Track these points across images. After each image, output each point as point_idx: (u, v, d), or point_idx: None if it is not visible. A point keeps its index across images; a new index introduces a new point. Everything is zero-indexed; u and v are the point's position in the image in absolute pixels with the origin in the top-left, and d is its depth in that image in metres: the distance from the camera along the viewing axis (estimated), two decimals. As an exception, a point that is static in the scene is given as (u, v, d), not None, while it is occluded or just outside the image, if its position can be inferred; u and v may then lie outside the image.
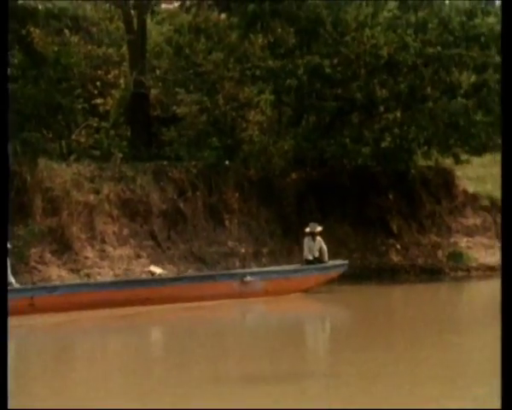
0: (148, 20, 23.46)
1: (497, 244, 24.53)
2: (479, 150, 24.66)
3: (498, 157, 27.07)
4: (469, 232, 24.62)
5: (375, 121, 22.90)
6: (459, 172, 25.51)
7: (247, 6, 22.02)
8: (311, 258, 19.72)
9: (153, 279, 18.33)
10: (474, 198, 25.38)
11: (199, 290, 17.66)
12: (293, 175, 22.99)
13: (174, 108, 22.82)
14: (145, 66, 22.64)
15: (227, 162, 22.10)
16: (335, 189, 22.77)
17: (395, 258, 22.95)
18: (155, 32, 23.78)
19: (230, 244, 20.76)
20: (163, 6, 24.51)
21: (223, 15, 23.03)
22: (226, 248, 20.48)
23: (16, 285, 16.92)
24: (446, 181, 25.26)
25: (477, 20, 22.95)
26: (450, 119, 22.57)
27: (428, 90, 22.80)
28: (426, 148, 23.60)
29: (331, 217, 22.40)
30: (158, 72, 23.42)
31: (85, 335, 15.31)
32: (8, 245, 16.32)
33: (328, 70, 21.87)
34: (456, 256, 23.68)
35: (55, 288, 17.33)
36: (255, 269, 19.74)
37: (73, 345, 14.29)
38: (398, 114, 22.76)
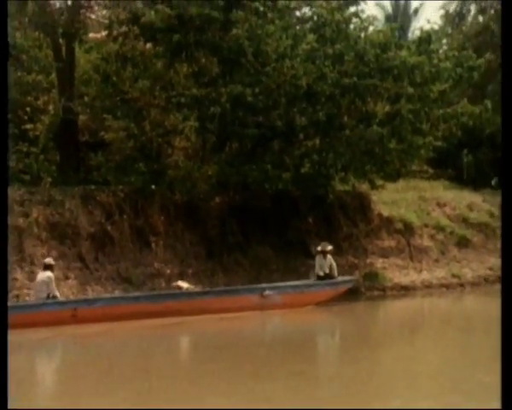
0: (77, 49, 23.41)
1: (411, 265, 25.41)
2: (393, 176, 25.51)
3: (411, 183, 28.18)
4: (384, 254, 25.06)
5: (294, 148, 23.35)
6: (375, 196, 26.03)
7: (172, 36, 22.17)
8: (322, 274, 21.31)
9: (182, 293, 19.57)
10: (388, 221, 25.85)
11: (223, 303, 19.07)
12: (217, 199, 23.18)
13: (102, 133, 22.90)
14: (73, 92, 22.69)
15: (153, 187, 22.19)
16: (257, 212, 22.98)
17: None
18: (83, 60, 23.77)
19: (156, 265, 20.88)
20: (91, 35, 24.42)
21: (148, 45, 23.05)
22: (152, 269, 20.63)
23: (61, 298, 18.11)
24: (362, 205, 25.75)
25: (390, 53, 23.40)
26: (366, 146, 23.15)
27: (345, 118, 23.36)
28: (343, 173, 24.13)
29: (253, 239, 22.77)
30: (86, 98, 23.40)
31: (124, 342, 16.42)
32: (51, 261, 18.18)
33: (250, 99, 22.10)
34: (372, 276, 24.02)
35: (95, 300, 18.40)
36: (273, 284, 20.87)
37: (114, 351, 15.46)
38: (317, 141, 23.37)
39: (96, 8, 23.68)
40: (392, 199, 26.68)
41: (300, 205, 24.12)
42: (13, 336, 13.16)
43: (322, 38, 23.24)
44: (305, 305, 20.25)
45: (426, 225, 26.46)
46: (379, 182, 24.90)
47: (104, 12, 23.85)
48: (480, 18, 33.32)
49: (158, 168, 22.42)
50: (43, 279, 17.95)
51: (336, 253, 24.19)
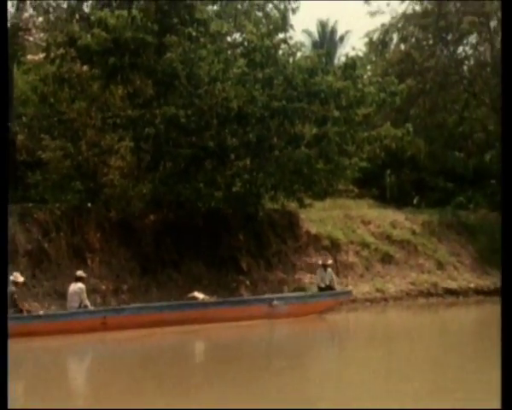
0: (15, 70, 23.53)
1: (337, 280, 25.96)
2: (320, 195, 26.08)
3: (338, 201, 28.82)
4: (312, 269, 25.15)
5: (226, 168, 23.66)
6: (303, 214, 26.45)
7: (107, 59, 22.32)
8: (323, 285, 23.01)
9: (199, 303, 20.72)
10: (316, 238, 26.30)
11: (236, 312, 20.50)
12: (152, 217, 23.36)
13: (39, 153, 22.96)
14: (12, 113, 22.53)
15: (89, 204, 22.34)
16: (190, 229, 23.26)
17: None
18: (22, 81, 23.82)
19: (92, 281, 20.91)
20: (29, 57, 24.48)
21: (85, 67, 23.17)
22: (88, 285, 20.49)
23: (91, 308, 19.29)
24: (291, 223, 26.20)
25: (317, 78, 23.80)
26: (294, 166, 23.63)
27: (275, 140, 23.82)
28: (273, 192, 24.61)
29: (186, 256, 23.06)
30: (24, 119, 23.51)
31: (150, 347, 18.05)
32: (82, 273, 19.73)
33: (183, 120, 22.46)
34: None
35: (122, 310, 19.77)
36: (281, 295, 22.59)
37: (141, 354, 17.00)
38: (248, 162, 23.77)
39: (33, 30, 23.77)
40: (320, 217, 27.10)
41: (232, 222, 24.45)
42: (50, 342, 17.33)
43: (253, 63, 23.54)
44: (308, 314, 21.76)
45: (351, 242, 26.96)
46: (307, 201, 25.35)
47: (42, 35, 23.94)
48: (402, 46, 34.11)
49: (94, 187, 22.57)
50: (75, 290, 19.21)
51: (266, 269, 24.81)
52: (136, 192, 22.64)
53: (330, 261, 23.84)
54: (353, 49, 33.78)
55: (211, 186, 23.12)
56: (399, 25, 33.86)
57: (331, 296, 22.96)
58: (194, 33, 23.04)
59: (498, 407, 8.20)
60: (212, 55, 23.16)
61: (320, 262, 23.59)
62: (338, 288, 23.47)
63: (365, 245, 27.20)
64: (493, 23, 32.92)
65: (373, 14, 33.42)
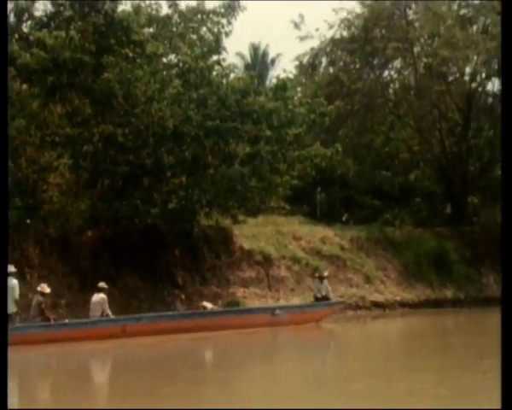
0: None
1: (269, 294, 26.38)
2: (253, 212, 26.63)
3: (270, 218, 29.27)
4: (245, 284, 25.81)
5: (162, 185, 23.90)
6: (236, 230, 26.76)
7: (46, 78, 22.44)
8: (319, 296, 24.62)
9: (209, 312, 22.30)
10: (249, 254, 26.62)
11: (241, 321, 22.11)
12: (90, 233, 23.38)
13: (-22, 170, 22.94)
14: None
15: (28, 221, 22.20)
16: (127, 245, 23.37)
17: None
18: None
19: (31, 296, 20.57)
20: None
21: (24, 85, 23.17)
22: (27, 300, 20.45)
23: (112, 316, 20.56)
24: (225, 238, 26.45)
25: (250, 99, 24.22)
26: (228, 184, 23.92)
27: (209, 158, 24.12)
28: (208, 209, 24.85)
29: (123, 271, 23.19)
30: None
31: (166, 351, 19.46)
32: (104, 285, 20.75)
33: (120, 138, 22.65)
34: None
35: (140, 318, 21.18)
36: (282, 305, 24.53)
37: (159, 357, 18.31)
38: (183, 179, 24.01)
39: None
40: (253, 233, 27.43)
41: (168, 238, 24.62)
42: (76, 347, 18.81)
43: (187, 84, 23.88)
44: (307, 322, 23.40)
45: (283, 257, 27.36)
46: (240, 217, 25.80)
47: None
48: (331, 69, 34.65)
49: (33, 203, 22.47)
50: (97, 300, 20.58)
51: (200, 283, 25.05)
52: (75, 209, 22.65)
53: (326, 274, 25.12)
54: (284, 71, 34.28)
55: (147, 203, 23.25)
56: (328, 49, 34.43)
57: (327, 306, 24.60)
58: (130, 54, 23.27)
59: (498, 406, 8.41)
60: (148, 75, 23.39)
61: (317, 275, 25.12)
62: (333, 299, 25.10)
63: (296, 260, 27.62)
64: (416, 49, 33.89)
65: (303, 38, 34.00)
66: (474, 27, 34.05)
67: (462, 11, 33.83)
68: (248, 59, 53.82)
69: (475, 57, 32.71)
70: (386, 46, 32.84)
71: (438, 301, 29.28)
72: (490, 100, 34.95)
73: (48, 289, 20.09)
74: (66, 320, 20.61)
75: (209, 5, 25.49)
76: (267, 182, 25.00)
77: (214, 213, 25.44)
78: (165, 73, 24.38)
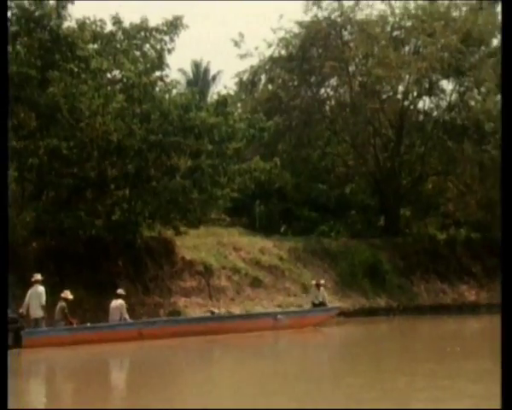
0: None
1: (210, 303, 26.48)
2: (195, 223, 26.52)
3: (211, 229, 29.42)
4: (187, 293, 25.88)
5: (106, 197, 23.98)
6: (178, 241, 26.86)
7: None
8: (317, 302, 26.00)
9: (217, 316, 23.95)
10: (190, 264, 26.72)
11: (247, 325, 23.45)
12: (35, 244, 23.33)
13: None
14: None
15: None
16: (72, 256, 23.34)
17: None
18: None
19: None
20: None
21: None
22: None
23: (129, 320, 21.95)
24: (167, 249, 26.54)
25: (192, 114, 24.41)
26: (170, 196, 24.09)
27: (152, 171, 24.26)
28: (150, 220, 25.02)
29: (68, 281, 22.82)
30: None
31: (177, 352, 20.80)
32: (122, 291, 22.26)
33: (65, 151, 22.66)
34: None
35: (155, 322, 22.73)
36: (283, 310, 25.95)
37: (173, 358, 19.79)
38: (127, 191, 24.18)
39: None
40: (194, 244, 27.52)
41: (111, 249, 24.61)
42: (97, 349, 20.16)
43: (131, 99, 23.95)
44: (305, 326, 24.63)
45: (223, 267, 27.53)
46: (182, 228, 25.84)
47: None
48: (270, 86, 35.02)
49: (-22, 215, 22.33)
50: (116, 305, 21.96)
51: (143, 293, 25.07)
52: (20, 220, 22.54)
53: (323, 281, 26.39)
54: (225, 87, 34.62)
55: (91, 215, 23.35)
56: (267, 67, 34.82)
57: (324, 311, 25.98)
58: (75, 69, 23.30)
59: (498, 407, 8.68)
60: (92, 90, 23.43)
61: (314, 282, 26.25)
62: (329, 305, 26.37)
63: (236, 270, 27.82)
64: (352, 68, 34.45)
65: (243, 56, 34.31)
66: (406, 48, 34.76)
67: (395, 33, 34.52)
68: (190, 75, 54.01)
69: (407, 77, 33.40)
70: (322, 65, 33.31)
71: (372, 309, 29.77)
72: (421, 117, 35.71)
73: (71, 296, 21.25)
74: (88, 324, 21.76)
75: (152, 23, 25.59)
76: (208, 194, 25.16)
77: (157, 224, 25.55)
78: (109, 88, 24.33)
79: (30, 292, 20.92)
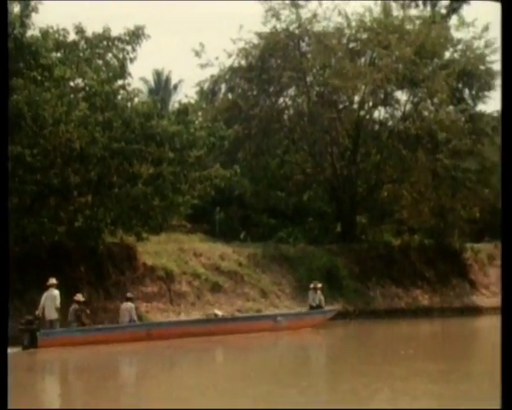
0: None
1: (171, 308, 26.53)
2: (156, 230, 26.45)
3: (172, 236, 29.43)
4: (148, 298, 25.89)
5: (69, 204, 23.86)
6: (140, 248, 26.85)
7: None
8: (314, 305, 26.84)
9: (220, 318, 24.88)
10: (152, 270, 26.73)
11: (248, 326, 24.46)
12: None
13: None
14: None
15: None
16: (35, 262, 23.21)
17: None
18: None
19: None
20: None
21: None
22: None
23: (138, 322, 23.13)
24: (129, 255, 26.54)
25: (153, 122, 24.41)
26: (132, 203, 24.13)
27: (114, 178, 24.19)
28: (112, 227, 24.93)
29: (31, 286, 22.92)
30: None
31: (184, 351, 21.49)
32: (131, 295, 23.64)
33: (29, 158, 22.52)
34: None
35: (162, 324, 24.01)
36: (282, 312, 26.78)
37: (179, 357, 20.82)
38: (89, 198, 24.07)
39: None
40: (156, 250, 27.55)
41: (74, 255, 24.58)
42: (110, 349, 21.04)
43: (94, 107, 23.87)
44: (303, 327, 25.60)
45: (184, 273, 27.57)
46: (144, 235, 25.74)
47: None
48: (230, 95, 35.19)
49: None
50: (126, 308, 23.14)
51: (105, 298, 25.03)
52: (-18, 226, 22.30)
53: (319, 285, 27.03)
54: (186, 96, 34.81)
55: (54, 221, 23.23)
56: (227, 76, 34.97)
57: (321, 314, 26.81)
58: (38, 77, 23.16)
59: (498, 406, 8.60)
60: (55, 98, 23.29)
61: (311, 286, 26.94)
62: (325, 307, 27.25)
63: (197, 276, 27.88)
64: (309, 78, 34.78)
65: (203, 66, 34.42)
66: (362, 60, 35.20)
67: (351, 45, 34.92)
68: (152, 84, 54.06)
69: (363, 87, 33.81)
70: (281, 75, 33.57)
71: (329, 313, 29.99)
72: (376, 127, 36.16)
73: (82, 298, 22.39)
74: (100, 326, 23.00)
75: (114, 32, 25.57)
76: (169, 201, 25.19)
77: (119, 230, 25.50)
78: (72, 96, 24.26)
79: (45, 295, 21.84)
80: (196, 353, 21.28)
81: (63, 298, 23.45)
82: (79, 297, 22.40)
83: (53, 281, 21.83)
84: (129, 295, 23.55)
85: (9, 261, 9.95)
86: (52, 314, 21.66)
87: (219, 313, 25.30)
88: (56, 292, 21.69)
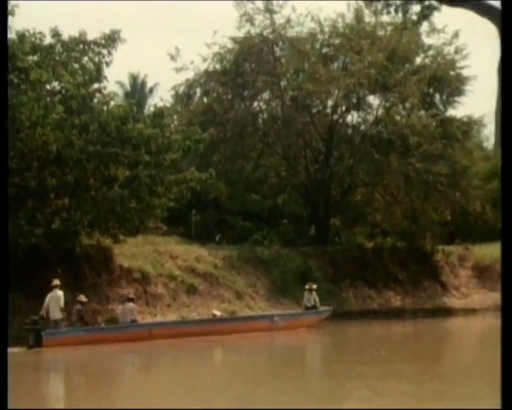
0: None
1: (147, 310, 26.42)
2: (132, 232, 26.36)
3: (149, 238, 29.37)
4: (124, 300, 25.04)
5: (46, 206, 23.77)
6: (116, 250, 26.76)
7: None
8: (309, 305, 27.48)
9: (219, 319, 25.55)
10: (128, 272, 26.62)
11: (246, 326, 25.16)
12: None
13: None
14: None
15: None
16: (12, 264, 22.65)
17: (62, 324, 23.18)
18: None
19: None
20: None
21: None
22: None
23: (140, 322, 23.93)
24: (106, 257, 26.41)
25: (129, 125, 24.40)
26: (109, 205, 24.11)
27: (91, 181, 24.15)
28: (89, 229, 24.89)
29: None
30: None
31: (186, 350, 22.39)
32: (132, 295, 24.63)
33: (5, 161, 22.65)
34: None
35: (163, 324, 24.64)
36: (278, 312, 27.30)
37: (180, 356, 21.70)
38: (66, 201, 24.01)
39: None
40: (132, 252, 27.47)
41: (51, 257, 24.41)
42: (112, 348, 21.76)
43: (70, 110, 23.81)
44: (299, 327, 26.34)
45: (160, 275, 27.48)
46: (120, 237, 25.71)
47: None
48: (205, 99, 35.19)
49: None
50: (128, 308, 23.85)
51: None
52: (-41, 228, 22.18)
53: (314, 286, 27.66)
54: (161, 100, 34.73)
55: (31, 223, 23.14)
56: (202, 80, 35.00)
57: (316, 314, 27.48)
58: (15, 80, 23.13)
59: (498, 406, 8.93)
60: (32, 101, 23.19)
61: (307, 287, 27.56)
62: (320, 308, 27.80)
63: (173, 278, 27.81)
64: (283, 83, 34.92)
65: (179, 70, 34.43)
66: (335, 64, 35.38)
67: (324, 50, 35.12)
68: (128, 88, 53.98)
69: (336, 92, 34.01)
70: (255, 79, 33.67)
71: (303, 315, 30.08)
72: (349, 131, 36.37)
73: (85, 299, 23.06)
74: (103, 325, 23.66)
75: (90, 36, 25.53)
76: (145, 204, 25.20)
77: (95, 233, 25.43)
78: (48, 99, 24.15)
79: (49, 296, 22.52)
80: (189, 351, 22.00)
81: (41, 300, 23.61)
82: (82, 298, 22.99)
83: (56, 282, 22.59)
84: (130, 295, 24.32)
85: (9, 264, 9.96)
86: (56, 314, 22.43)
87: (218, 313, 25.92)
88: (60, 293, 22.43)
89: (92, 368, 19.40)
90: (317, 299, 27.51)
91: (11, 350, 19.09)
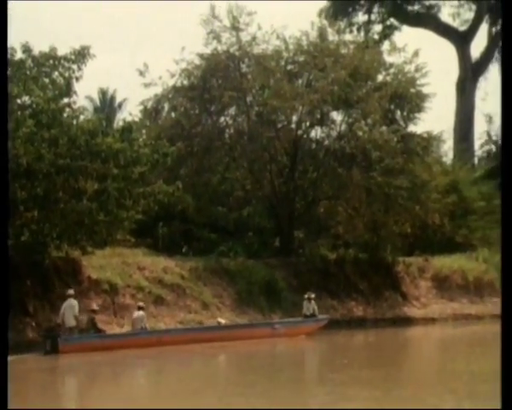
0: None
1: (115, 321, 26.34)
2: (101, 244, 26.47)
3: (117, 250, 29.26)
4: (92, 311, 25.34)
5: (15, 218, 23.45)
6: (85, 261, 26.70)
7: None
8: (308, 314, 28.41)
9: (223, 326, 26.24)
10: (96, 283, 26.52)
11: (249, 333, 26.02)
12: None
13: None
14: None
15: None
16: None
17: (31, 334, 23.63)
18: None
19: None
20: None
21: None
22: None
23: (149, 329, 24.79)
24: (74, 269, 26.32)
25: (98, 139, 24.49)
26: (77, 218, 24.11)
27: (60, 194, 24.11)
28: (58, 241, 24.81)
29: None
30: None
31: (192, 356, 23.23)
32: (143, 304, 25.56)
33: (-25, 174, 22.49)
34: (81, 332, 23.95)
35: (171, 331, 25.57)
36: (279, 320, 28.32)
37: (185, 361, 22.49)
38: (35, 213, 23.89)
39: None
40: (100, 264, 27.38)
41: (20, 269, 24.19)
42: (123, 353, 22.40)
43: (40, 124, 23.80)
44: (299, 335, 27.10)
45: (128, 286, 27.42)
46: (89, 249, 25.71)
47: None
48: (173, 114, 35.23)
49: None
50: (138, 316, 24.78)
51: (51, 311, 24.74)
52: None
53: (313, 295, 28.64)
54: (130, 114, 34.77)
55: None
56: (170, 96, 35.08)
57: (315, 322, 28.36)
58: (-15, 95, 23.07)
59: (498, 406, 8.74)
60: (2, 115, 23.21)
61: (306, 296, 28.52)
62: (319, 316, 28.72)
63: (140, 289, 27.74)
64: (249, 98, 35.12)
65: (147, 85, 34.48)
66: (300, 81, 35.69)
67: (289, 67, 35.41)
68: (97, 102, 53.94)
69: (300, 108, 34.28)
70: (222, 95, 33.82)
71: (268, 325, 30.20)
72: (313, 146, 36.65)
73: (96, 307, 24.19)
74: (116, 333, 24.55)
75: (61, 51, 25.55)
76: (114, 216, 25.22)
77: (64, 245, 25.35)
78: (19, 113, 24.13)
79: (64, 305, 23.41)
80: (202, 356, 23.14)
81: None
82: (93, 306, 24.10)
83: (71, 292, 23.63)
84: (140, 304, 25.24)
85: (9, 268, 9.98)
86: (71, 322, 23.23)
87: (223, 321, 26.62)
88: (75, 302, 23.35)
89: (105, 371, 20.51)
90: (316, 307, 28.46)
91: (29, 356, 21.55)
